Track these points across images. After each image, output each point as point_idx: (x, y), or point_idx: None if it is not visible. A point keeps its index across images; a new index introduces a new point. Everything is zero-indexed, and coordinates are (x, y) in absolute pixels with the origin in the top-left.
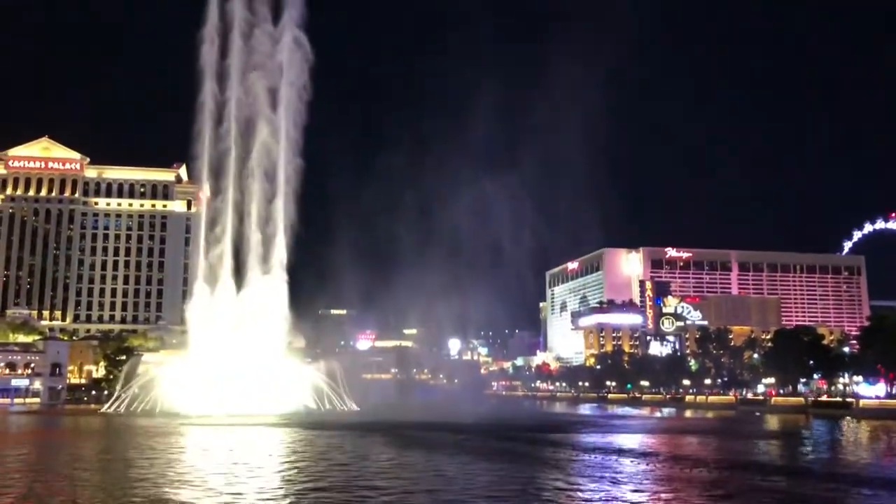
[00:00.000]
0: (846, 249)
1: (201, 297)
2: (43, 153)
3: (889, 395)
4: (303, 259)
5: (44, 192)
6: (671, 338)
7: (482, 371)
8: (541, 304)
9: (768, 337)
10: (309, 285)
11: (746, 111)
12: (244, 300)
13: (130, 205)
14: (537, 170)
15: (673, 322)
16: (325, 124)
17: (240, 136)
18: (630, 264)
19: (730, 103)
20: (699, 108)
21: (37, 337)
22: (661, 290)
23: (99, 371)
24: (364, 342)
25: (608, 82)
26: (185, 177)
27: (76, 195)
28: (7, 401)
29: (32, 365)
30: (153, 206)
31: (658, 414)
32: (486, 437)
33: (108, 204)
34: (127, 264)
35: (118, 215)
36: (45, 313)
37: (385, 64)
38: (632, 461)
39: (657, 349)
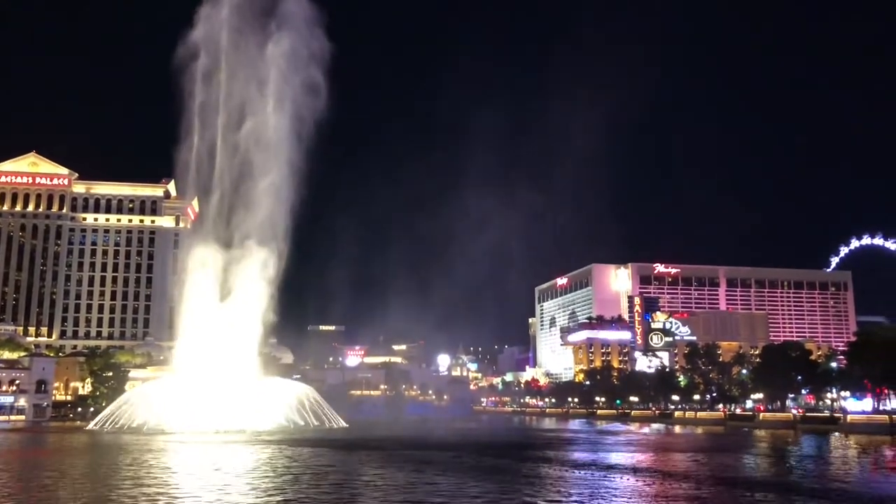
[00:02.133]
0: (833, 265)
1: (188, 314)
2: (30, 168)
3: (876, 410)
4: (292, 274)
5: (31, 208)
6: (660, 353)
7: (471, 387)
8: (530, 320)
9: (756, 352)
10: (298, 301)
11: (734, 128)
12: (230, 315)
13: (118, 220)
14: (528, 188)
15: (662, 338)
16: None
17: (227, 145)
18: (619, 280)
19: (718, 121)
20: (687, 126)
21: (22, 353)
22: (650, 306)
23: (85, 388)
24: (353, 358)
25: (600, 106)
26: (173, 192)
27: (64, 210)
28: None
29: (17, 382)
30: (141, 221)
31: (647, 430)
32: (476, 454)
33: (95, 219)
34: (114, 280)
35: (106, 231)
36: (31, 329)
37: (379, 77)
38: (621, 477)
39: (646, 365)
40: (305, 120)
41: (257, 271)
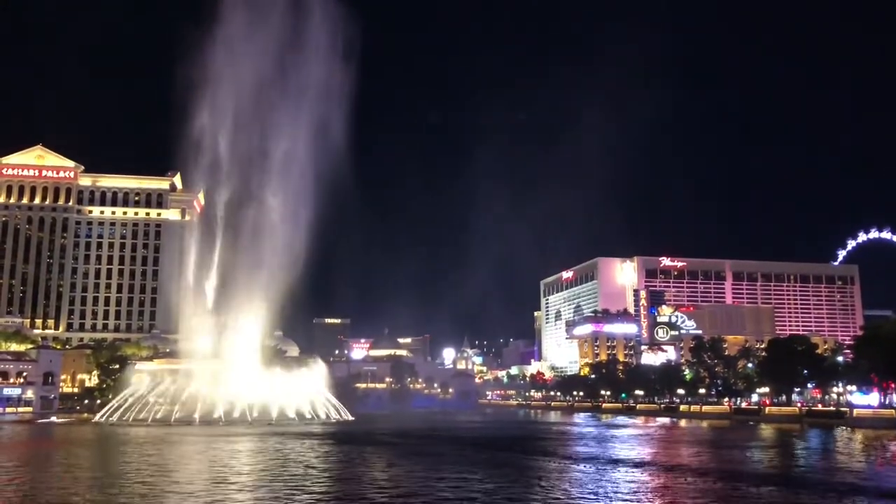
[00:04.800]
0: (840, 259)
1: (194, 307)
2: (37, 161)
3: (882, 405)
4: (299, 267)
5: (37, 201)
6: (665, 347)
7: (476, 380)
8: (535, 314)
9: (762, 346)
10: (304, 293)
11: (739, 120)
12: (236, 308)
13: (125, 213)
14: (534, 183)
15: (667, 331)
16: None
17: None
18: (624, 273)
19: (723, 114)
20: (693, 122)
21: (29, 346)
22: (656, 300)
23: (92, 380)
24: (359, 351)
25: (608, 101)
26: (179, 185)
27: (70, 203)
28: None
29: (25, 374)
30: (147, 214)
31: (652, 424)
32: (480, 448)
33: (102, 212)
34: (121, 272)
35: (112, 223)
36: (38, 322)
37: (391, 75)
38: (626, 471)
39: (651, 358)
40: (322, 117)
41: (264, 265)
